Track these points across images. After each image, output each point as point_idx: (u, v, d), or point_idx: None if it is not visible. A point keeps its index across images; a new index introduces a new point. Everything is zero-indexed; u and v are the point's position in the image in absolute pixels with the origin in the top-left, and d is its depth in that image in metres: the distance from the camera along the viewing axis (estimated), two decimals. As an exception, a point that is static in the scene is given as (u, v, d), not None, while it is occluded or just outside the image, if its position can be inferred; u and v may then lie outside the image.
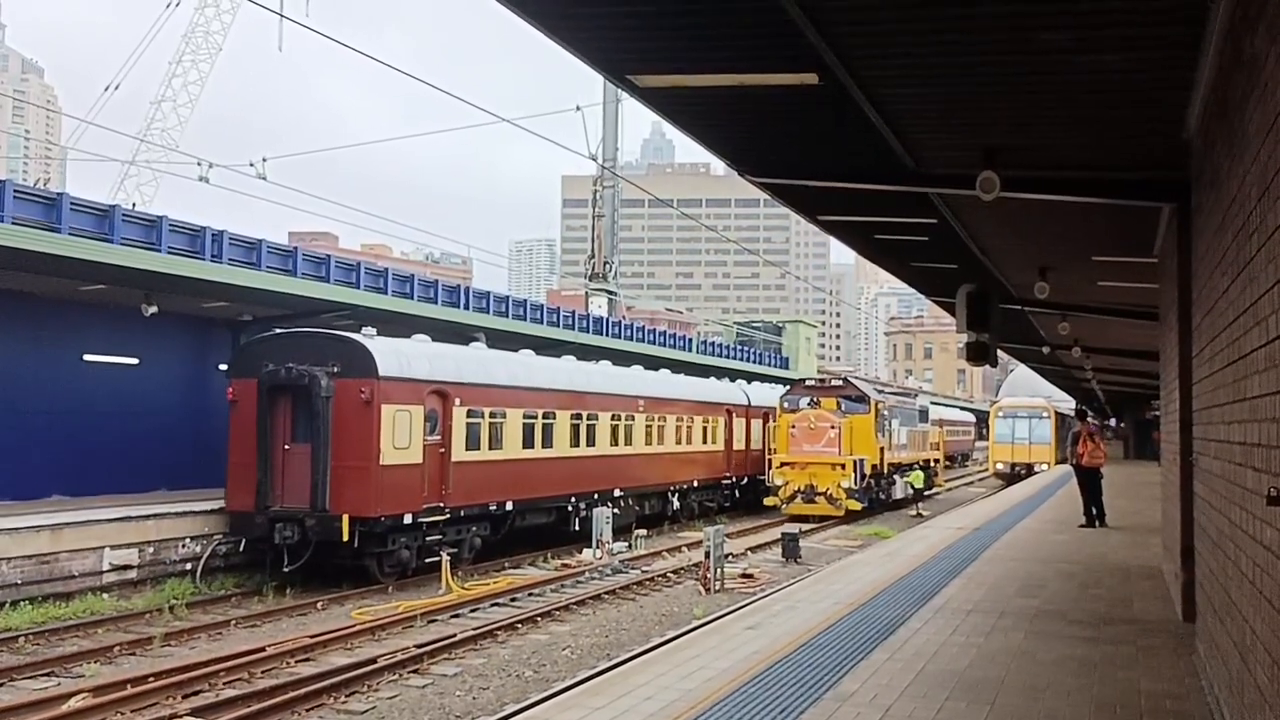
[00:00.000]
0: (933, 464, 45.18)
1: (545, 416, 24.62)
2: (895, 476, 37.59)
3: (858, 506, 32.02)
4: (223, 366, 23.89)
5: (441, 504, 20.55)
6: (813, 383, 37.57)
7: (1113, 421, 65.82)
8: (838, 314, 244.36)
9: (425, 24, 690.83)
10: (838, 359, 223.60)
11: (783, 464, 33.04)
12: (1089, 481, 20.19)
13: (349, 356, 19.49)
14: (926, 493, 42.05)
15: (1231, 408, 5.69)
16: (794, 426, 33.23)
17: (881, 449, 35.21)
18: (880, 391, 40.57)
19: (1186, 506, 9.31)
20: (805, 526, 28.23)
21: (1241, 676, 5.45)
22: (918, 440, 42.22)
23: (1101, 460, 20.12)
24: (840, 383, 37.13)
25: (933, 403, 78.93)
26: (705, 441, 33.68)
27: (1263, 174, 4.38)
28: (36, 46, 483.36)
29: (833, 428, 32.76)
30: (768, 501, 33.10)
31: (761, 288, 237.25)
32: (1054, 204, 10.09)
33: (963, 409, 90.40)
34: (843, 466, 32.18)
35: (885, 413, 36.12)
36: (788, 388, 37.56)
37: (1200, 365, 7.91)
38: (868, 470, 33.41)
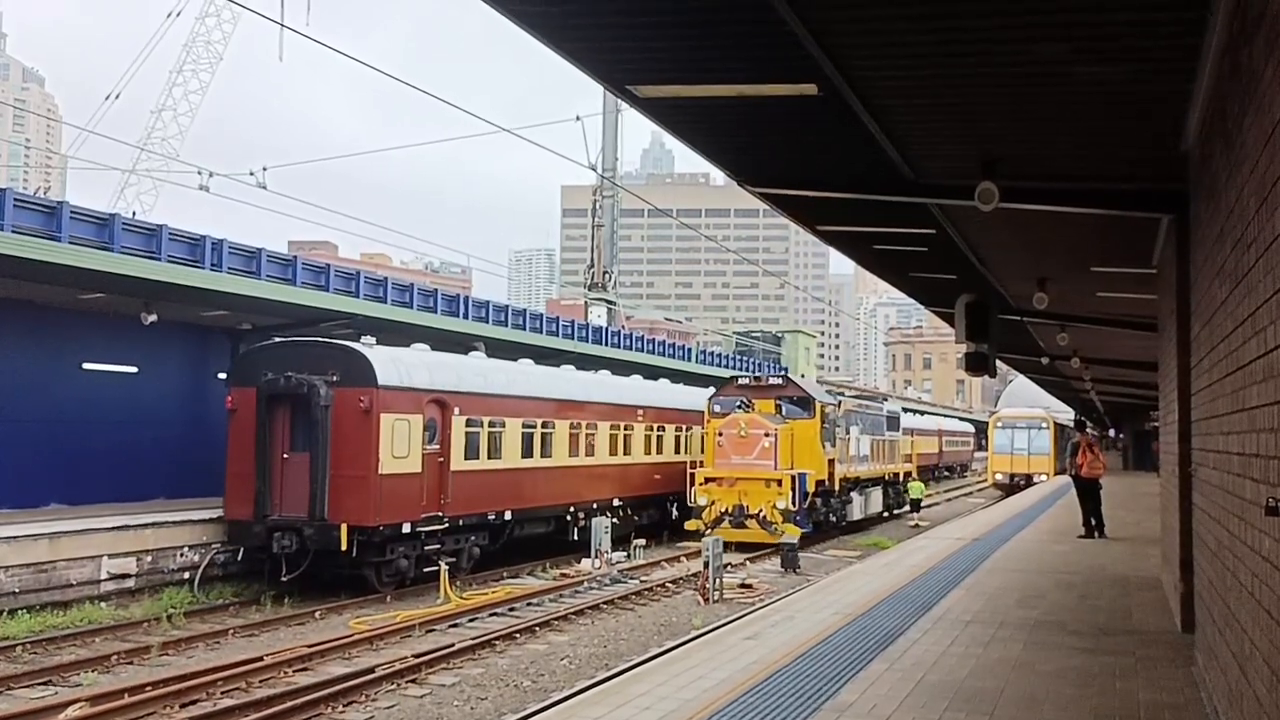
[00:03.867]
0: (903, 479, 40.20)
1: (544, 426, 24.62)
2: (852, 494, 32.35)
3: (797, 532, 26.15)
4: (222, 375, 23.87)
5: (440, 513, 20.53)
6: (746, 381, 31.67)
7: (1112, 432, 65.83)
8: (837, 324, 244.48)
9: (417, 21, 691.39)
10: (836, 369, 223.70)
11: (707, 480, 27.59)
12: (1088, 492, 20.18)
13: (348, 365, 19.49)
14: (897, 511, 38.90)
15: (1230, 418, 5.70)
16: (721, 434, 27.95)
17: (831, 461, 29.78)
18: (834, 393, 34.91)
19: (1185, 517, 9.31)
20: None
21: (1240, 687, 5.44)
22: (883, 451, 37.01)
23: (1101, 471, 20.12)
24: (779, 381, 31.48)
25: (930, 412, 78.92)
26: (704, 451, 33.53)
27: (1260, 185, 4.40)
28: (37, 55, 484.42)
29: (767, 435, 27.43)
30: (689, 525, 27.52)
31: (761, 297, 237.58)
32: (1053, 215, 10.11)
33: (962, 419, 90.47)
34: (779, 483, 26.85)
35: (835, 418, 30.62)
36: (716, 388, 31.96)
37: (1199, 376, 7.92)
38: (811, 487, 27.89)
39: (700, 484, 27.60)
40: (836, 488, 30.43)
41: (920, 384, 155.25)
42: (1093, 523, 20.01)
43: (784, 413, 29.23)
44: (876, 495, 35.68)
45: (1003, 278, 15.38)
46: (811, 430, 28.97)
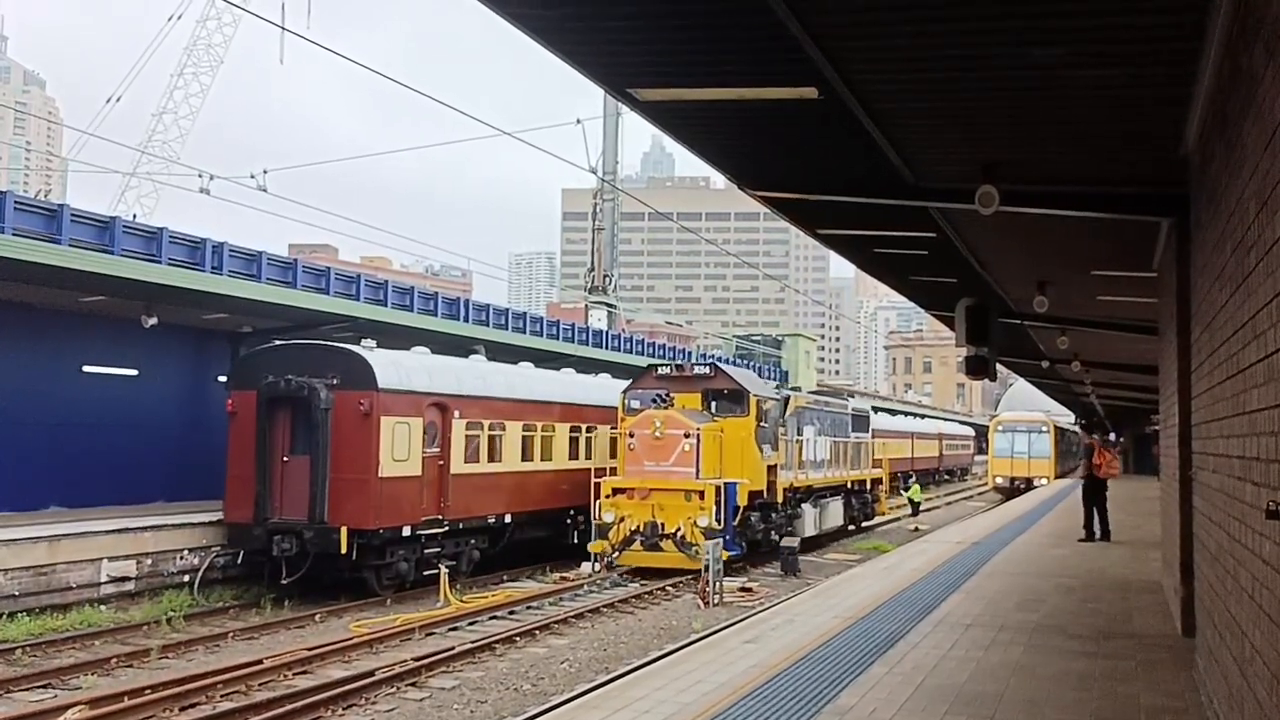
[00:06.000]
0: (870, 487, 34.62)
1: (544, 429, 24.60)
2: (803, 506, 27.11)
3: (724, 555, 20.79)
4: (222, 378, 23.88)
5: (440, 516, 20.52)
6: (666, 371, 25.41)
7: (1112, 436, 65.92)
8: (837, 328, 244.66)
9: (417, 23, 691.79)
10: (837, 373, 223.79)
11: (615, 491, 22.54)
12: (1097, 493, 20.12)
13: (348, 368, 19.50)
14: (865, 524, 34.53)
15: (1230, 421, 5.69)
16: (633, 435, 22.78)
17: (771, 467, 24.73)
18: (783, 388, 29.96)
19: (1186, 521, 9.30)
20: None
21: (1241, 691, 5.44)
22: (845, 455, 31.60)
23: (1116, 472, 20.04)
24: (706, 371, 25.21)
25: (931, 415, 78.83)
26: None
27: (1260, 188, 4.40)
28: (38, 58, 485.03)
29: (687, 437, 22.32)
30: (593, 547, 22.57)
31: (761, 301, 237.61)
32: (1053, 218, 10.12)
33: (962, 423, 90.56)
34: (700, 495, 21.89)
35: (777, 416, 25.51)
36: (632, 379, 26.22)
37: (1199, 379, 7.91)
38: (742, 500, 22.97)
39: (606, 496, 22.52)
40: (780, 499, 25.25)
41: (920, 387, 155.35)
42: (1094, 526, 19.99)
43: (714, 409, 24.16)
44: (835, 507, 30.16)
45: (1003, 281, 15.39)
46: (745, 430, 23.88)
